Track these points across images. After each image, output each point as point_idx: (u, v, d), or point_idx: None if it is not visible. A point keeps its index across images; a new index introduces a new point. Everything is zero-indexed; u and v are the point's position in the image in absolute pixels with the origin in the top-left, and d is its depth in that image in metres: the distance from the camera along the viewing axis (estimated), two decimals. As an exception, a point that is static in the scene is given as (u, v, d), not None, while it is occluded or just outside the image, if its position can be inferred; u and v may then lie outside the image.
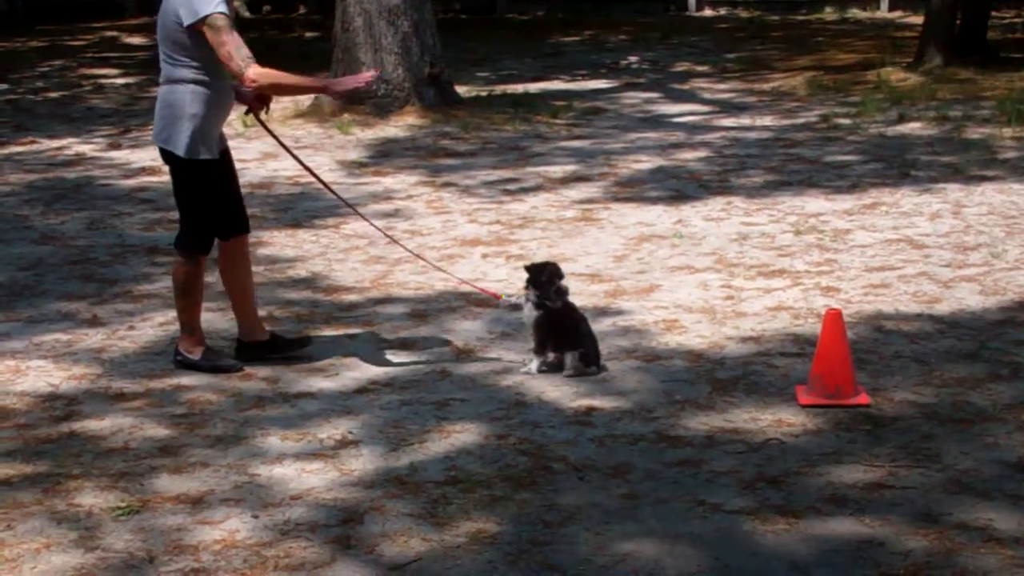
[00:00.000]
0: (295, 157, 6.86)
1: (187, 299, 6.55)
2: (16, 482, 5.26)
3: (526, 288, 6.49)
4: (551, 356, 6.43)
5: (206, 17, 6.10)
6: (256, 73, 6.13)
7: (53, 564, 4.61)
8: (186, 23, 6.13)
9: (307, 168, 6.86)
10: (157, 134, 6.40)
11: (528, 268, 6.57)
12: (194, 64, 6.22)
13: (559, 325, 6.40)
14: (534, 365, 6.44)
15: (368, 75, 6.58)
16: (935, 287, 7.71)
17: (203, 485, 5.22)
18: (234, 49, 6.11)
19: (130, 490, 5.18)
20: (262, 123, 6.81)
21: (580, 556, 4.61)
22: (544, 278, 6.45)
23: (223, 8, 6.14)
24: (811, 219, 9.39)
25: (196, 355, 6.54)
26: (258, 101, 6.63)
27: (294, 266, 8.43)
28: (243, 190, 9.92)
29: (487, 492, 5.11)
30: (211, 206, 6.47)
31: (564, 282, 6.51)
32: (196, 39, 6.16)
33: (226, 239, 6.59)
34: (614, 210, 9.83)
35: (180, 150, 6.29)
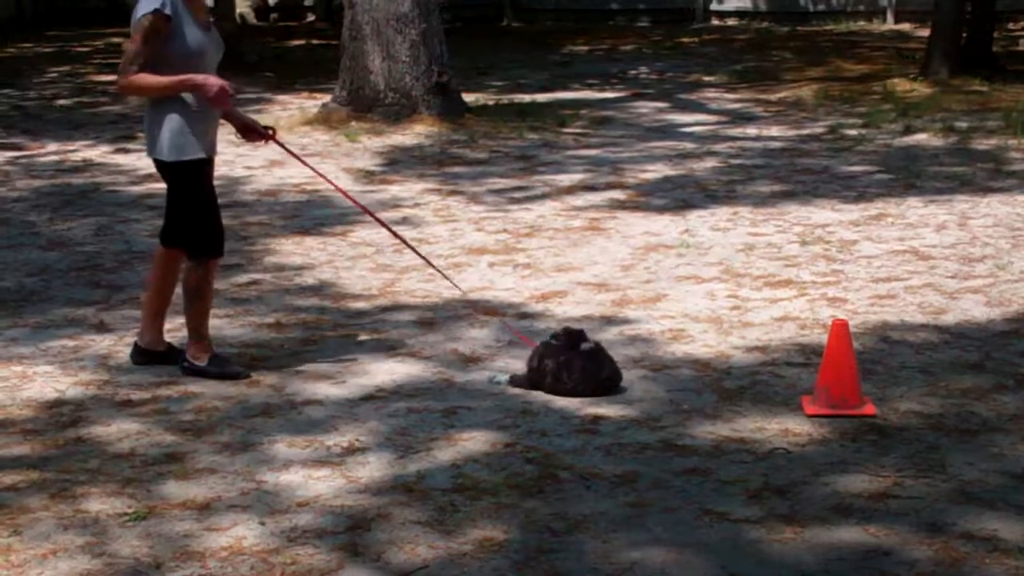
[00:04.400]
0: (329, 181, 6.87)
1: (197, 305, 6.53)
2: (23, 488, 5.27)
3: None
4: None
5: (140, 18, 6.14)
6: (126, 83, 6.16)
7: (60, 570, 4.61)
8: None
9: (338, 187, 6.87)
10: (148, 149, 6.40)
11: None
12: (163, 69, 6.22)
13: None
14: None
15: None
16: (941, 298, 7.72)
17: (210, 491, 5.23)
18: (133, 53, 6.14)
19: (137, 496, 5.18)
20: (282, 145, 6.82)
21: (587, 564, 4.62)
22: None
23: (156, 6, 6.11)
24: (817, 230, 9.40)
25: (203, 361, 6.53)
26: (251, 132, 6.67)
27: (301, 273, 8.44)
28: (251, 197, 9.89)
29: (494, 500, 5.12)
30: (209, 207, 6.43)
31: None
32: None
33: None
34: (621, 219, 9.84)
35: (164, 154, 6.28)
